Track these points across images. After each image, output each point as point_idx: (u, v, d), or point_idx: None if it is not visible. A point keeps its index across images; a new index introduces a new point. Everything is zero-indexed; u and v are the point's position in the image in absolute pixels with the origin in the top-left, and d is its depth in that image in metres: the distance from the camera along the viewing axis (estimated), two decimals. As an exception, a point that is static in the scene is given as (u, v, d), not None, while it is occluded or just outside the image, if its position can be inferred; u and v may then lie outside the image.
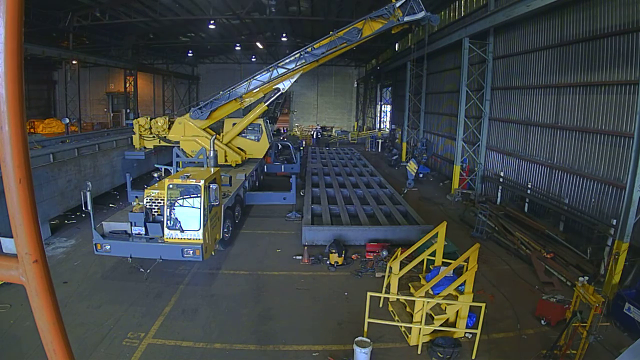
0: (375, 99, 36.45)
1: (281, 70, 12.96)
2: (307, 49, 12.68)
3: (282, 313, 7.08)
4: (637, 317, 6.31)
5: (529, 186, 11.80)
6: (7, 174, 0.88)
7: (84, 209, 7.55)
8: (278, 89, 13.58)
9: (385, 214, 11.55)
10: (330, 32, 12.57)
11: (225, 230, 9.54)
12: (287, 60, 12.94)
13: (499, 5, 11.87)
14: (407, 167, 16.65)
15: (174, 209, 7.64)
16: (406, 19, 12.10)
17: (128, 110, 29.80)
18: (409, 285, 7.09)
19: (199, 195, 7.57)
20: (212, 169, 8.95)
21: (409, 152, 22.90)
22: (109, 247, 7.85)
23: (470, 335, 6.24)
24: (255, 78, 13.22)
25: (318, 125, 37.75)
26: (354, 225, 10.57)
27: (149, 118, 14.93)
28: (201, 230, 7.63)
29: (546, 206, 10.90)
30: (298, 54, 12.76)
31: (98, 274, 8.39)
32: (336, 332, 6.49)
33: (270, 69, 13.09)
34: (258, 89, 13.33)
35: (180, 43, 30.94)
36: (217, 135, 13.92)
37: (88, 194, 7.35)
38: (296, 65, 12.80)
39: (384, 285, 7.36)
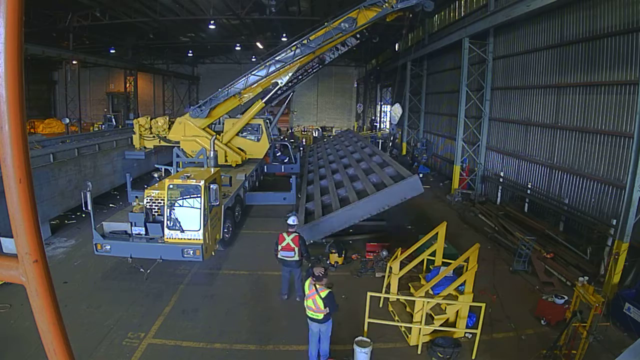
0: (375, 99, 36.44)
1: (278, 64, 12.95)
2: (303, 41, 12.67)
3: (282, 313, 7.08)
4: (637, 317, 6.31)
5: (529, 186, 11.80)
6: (7, 174, 0.88)
7: (84, 209, 7.54)
8: (276, 84, 13.57)
9: (375, 184, 10.59)
10: (325, 23, 12.55)
11: (226, 230, 9.53)
12: (284, 54, 12.92)
13: (499, 6, 11.87)
14: (391, 112, 16.05)
15: (174, 209, 7.63)
16: (400, 5, 12.05)
17: (111, 116, 29.60)
18: (409, 285, 7.09)
19: (199, 195, 7.57)
20: (212, 169, 8.94)
21: (409, 152, 22.90)
22: (109, 247, 7.85)
23: (470, 335, 6.24)
24: (252, 73, 13.22)
25: (318, 127, 37.77)
26: (341, 208, 9.64)
27: (149, 118, 14.94)
28: (201, 230, 7.63)
29: (546, 206, 10.90)
30: (294, 47, 12.75)
31: (98, 274, 8.39)
32: (336, 332, 6.48)
33: (267, 64, 13.08)
34: (256, 84, 13.32)
35: (180, 43, 30.95)
36: (217, 136, 13.91)
37: (88, 194, 7.35)
38: (293, 58, 12.79)
39: (384, 285, 7.36)
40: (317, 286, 5.32)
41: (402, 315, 6.53)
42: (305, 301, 5.51)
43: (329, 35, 12.45)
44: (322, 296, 5.27)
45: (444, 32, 17.16)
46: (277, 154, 16.82)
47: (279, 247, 7.23)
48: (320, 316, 5.40)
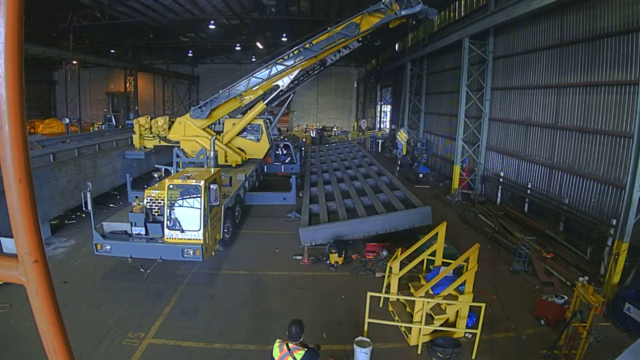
0: (375, 99, 36.43)
1: (280, 67, 12.95)
2: (306, 45, 12.68)
3: (282, 313, 7.07)
4: (637, 317, 6.31)
5: (529, 186, 11.80)
6: (7, 174, 0.88)
7: (84, 209, 7.55)
8: (277, 86, 13.56)
9: (383, 203, 11.03)
10: (328, 28, 12.55)
11: (226, 230, 9.53)
12: (286, 57, 12.92)
13: (499, 6, 11.87)
14: (397, 135, 16.55)
15: (174, 209, 7.63)
16: (403, 12, 12.08)
17: (111, 116, 29.51)
18: (409, 285, 7.09)
19: (199, 195, 7.57)
20: (212, 169, 8.94)
21: (409, 152, 22.89)
22: (109, 247, 7.85)
23: (470, 335, 6.24)
24: (254, 75, 13.21)
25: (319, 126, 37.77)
26: (350, 219, 10.06)
27: (149, 118, 14.94)
28: (201, 230, 7.63)
29: (546, 206, 10.89)
30: (297, 50, 12.76)
31: (98, 274, 8.40)
32: (336, 332, 6.48)
33: (269, 66, 13.07)
34: (258, 86, 13.31)
35: (180, 43, 30.98)
36: (217, 136, 13.90)
37: (88, 194, 7.35)
38: (295, 62, 12.79)
39: (384, 285, 7.36)
40: (290, 346, 3.94)
41: (402, 315, 6.53)
42: None
43: (331, 40, 12.46)
44: (298, 359, 3.88)
45: (444, 32, 17.16)
46: (280, 154, 16.83)
47: None
48: None
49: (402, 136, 15.98)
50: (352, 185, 13.22)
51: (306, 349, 3.96)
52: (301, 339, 4.04)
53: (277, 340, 4.09)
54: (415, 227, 9.85)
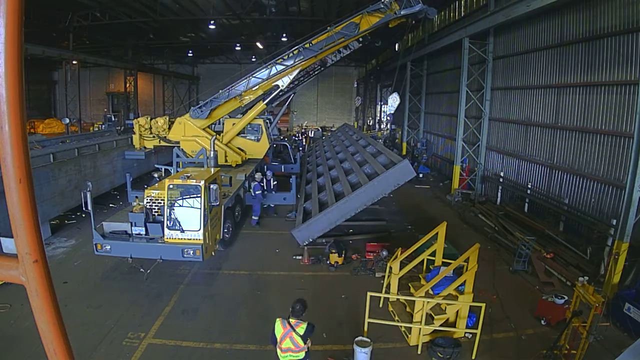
0: (375, 99, 36.46)
1: (280, 67, 12.94)
2: (305, 45, 12.68)
3: (282, 313, 7.05)
4: (637, 317, 6.32)
5: (529, 186, 11.79)
6: (7, 174, 0.88)
7: (84, 209, 7.54)
8: (277, 86, 13.56)
9: (368, 175, 10.42)
10: (328, 27, 12.55)
11: (226, 230, 9.53)
12: (286, 57, 12.92)
13: (499, 6, 11.87)
14: (388, 99, 17.13)
15: (174, 209, 7.63)
16: (403, 12, 12.08)
17: (111, 116, 29.49)
18: (409, 285, 7.09)
19: (199, 195, 7.57)
20: (212, 169, 8.94)
21: (409, 152, 22.90)
22: (109, 247, 7.85)
23: (470, 335, 6.24)
24: (254, 75, 13.20)
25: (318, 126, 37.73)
26: (337, 202, 9.46)
27: (149, 118, 14.93)
28: (201, 230, 7.63)
29: (546, 206, 10.89)
30: (296, 50, 12.76)
31: (98, 274, 8.39)
32: (336, 332, 6.48)
33: (269, 66, 13.07)
34: (257, 86, 13.31)
35: (180, 43, 30.97)
36: (217, 136, 13.90)
37: (88, 194, 7.34)
38: (295, 62, 12.78)
39: (384, 285, 7.37)
40: (292, 322, 4.45)
41: (402, 315, 6.53)
42: (279, 345, 4.51)
43: (331, 40, 12.45)
44: (301, 333, 4.42)
45: (444, 32, 17.16)
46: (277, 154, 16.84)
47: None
48: (302, 355, 4.52)
49: (393, 100, 16.54)
50: (342, 168, 12.56)
51: (307, 323, 4.46)
52: (302, 317, 4.51)
53: (278, 319, 4.48)
54: (401, 185, 9.22)
